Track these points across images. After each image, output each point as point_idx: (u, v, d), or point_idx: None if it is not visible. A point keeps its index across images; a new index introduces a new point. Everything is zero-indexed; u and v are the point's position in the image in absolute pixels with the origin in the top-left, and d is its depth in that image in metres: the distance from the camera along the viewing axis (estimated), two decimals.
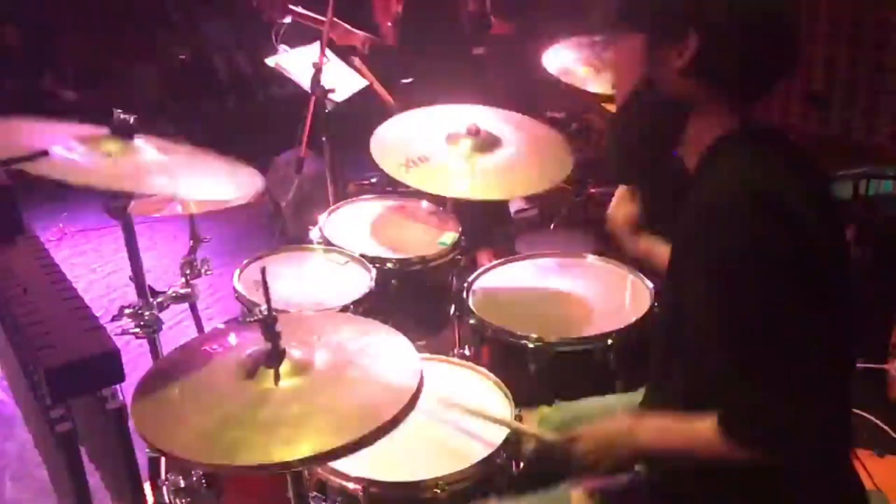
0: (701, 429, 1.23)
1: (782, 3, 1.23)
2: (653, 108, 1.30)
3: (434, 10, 3.40)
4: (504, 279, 2.27)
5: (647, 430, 1.35)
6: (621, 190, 1.74)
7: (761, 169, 1.21)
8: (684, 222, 1.24)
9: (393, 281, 2.29)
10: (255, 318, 1.37)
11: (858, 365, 2.67)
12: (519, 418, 1.73)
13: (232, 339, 1.51)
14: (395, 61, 3.44)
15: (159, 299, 1.96)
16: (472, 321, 2.07)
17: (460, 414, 1.73)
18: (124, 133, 1.76)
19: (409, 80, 3.39)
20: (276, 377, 1.35)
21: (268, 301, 1.34)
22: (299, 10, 3.25)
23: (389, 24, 3.54)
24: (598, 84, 2.58)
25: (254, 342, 1.42)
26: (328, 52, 2.99)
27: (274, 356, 1.36)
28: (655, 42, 1.25)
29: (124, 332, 1.87)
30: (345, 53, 3.33)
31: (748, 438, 1.19)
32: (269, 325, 1.36)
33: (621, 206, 1.73)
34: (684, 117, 1.28)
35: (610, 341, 1.94)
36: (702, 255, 1.19)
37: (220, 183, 1.87)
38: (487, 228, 3.24)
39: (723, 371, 1.19)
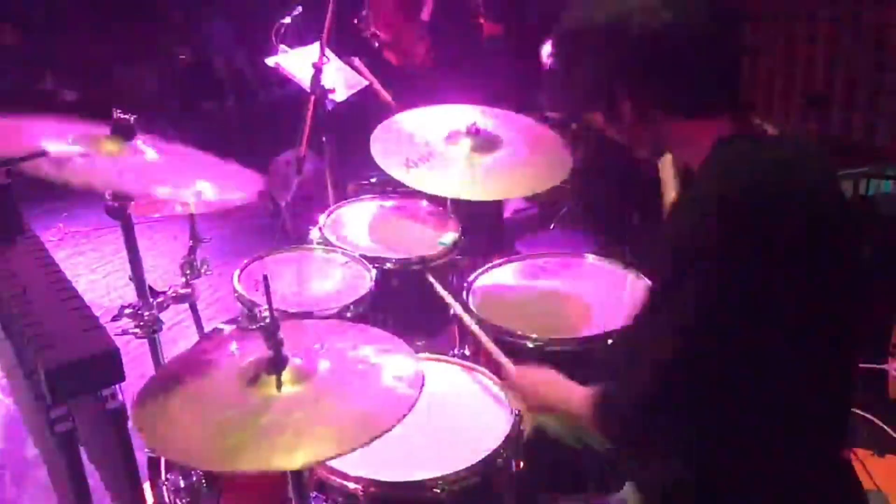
0: (580, 398, 1.34)
1: (688, 17, 1.21)
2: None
3: (459, 22, 3.45)
4: (504, 279, 2.27)
5: (559, 390, 1.48)
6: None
7: (744, 170, 1.21)
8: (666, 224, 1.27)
9: (393, 281, 2.29)
10: (258, 325, 1.36)
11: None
12: (519, 418, 1.73)
13: (234, 346, 1.51)
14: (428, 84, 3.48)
15: (159, 299, 1.96)
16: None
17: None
18: (124, 133, 1.76)
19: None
20: (278, 384, 1.35)
21: (270, 308, 1.34)
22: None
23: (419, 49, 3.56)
24: None
25: (256, 349, 1.42)
26: (328, 52, 2.99)
27: (276, 363, 1.36)
28: (605, 111, 1.31)
29: (124, 332, 1.86)
30: (345, 53, 3.34)
31: (606, 423, 1.29)
32: (271, 332, 1.35)
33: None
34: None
35: (610, 341, 1.94)
36: (660, 246, 1.23)
37: (219, 183, 1.86)
38: (480, 230, 3.23)
39: (626, 351, 1.28)
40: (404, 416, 1.29)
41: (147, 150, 1.78)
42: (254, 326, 1.37)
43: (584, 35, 1.28)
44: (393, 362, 1.46)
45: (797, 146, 1.29)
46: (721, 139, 1.25)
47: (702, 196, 1.21)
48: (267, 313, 1.36)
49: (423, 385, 1.37)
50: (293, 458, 1.21)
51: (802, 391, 1.22)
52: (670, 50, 1.21)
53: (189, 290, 2.10)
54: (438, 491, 1.55)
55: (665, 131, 1.29)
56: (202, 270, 2.22)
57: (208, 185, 1.84)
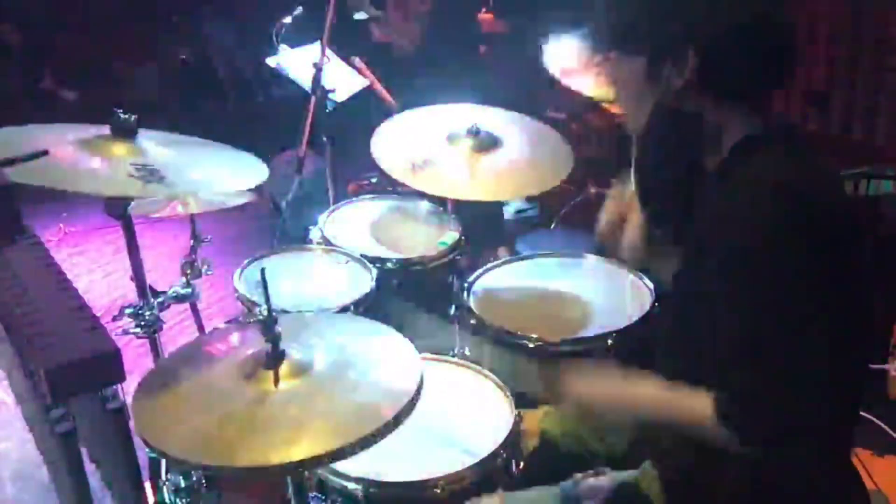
0: (697, 408, 1.24)
1: (773, 3, 1.24)
2: (671, 125, 1.34)
3: (459, 10, 3.45)
4: (504, 279, 2.27)
5: (643, 397, 1.35)
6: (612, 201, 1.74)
7: (793, 165, 1.23)
8: (708, 218, 1.25)
9: (393, 281, 2.29)
10: (255, 318, 1.36)
11: None
12: (519, 418, 1.73)
13: (232, 339, 1.51)
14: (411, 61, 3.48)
15: (160, 299, 1.96)
16: (472, 321, 2.07)
17: None
18: (125, 133, 1.76)
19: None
20: (276, 379, 1.35)
21: (268, 302, 1.34)
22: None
23: (408, 22, 3.56)
24: (596, 87, 2.59)
25: (254, 343, 1.42)
26: (328, 52, 2.99)
27: (273, 358, 1.36)
28: (655, 63, 1.26)
29: (124, 332, 1.87)
30: (345, 53, 3.34)
31: (741, 428, 1.19)
32: (268, 326, 1.35)
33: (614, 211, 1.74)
34: (700, 126, 1.30)
35: (610, 341, 1.94)
36: (723, 246, 1.20)
37: (224, 174, 1.86)
38: (482, 230, 3.24)
39: (729, 357, 1.20)
40: (403, 410, 1.29)
41: (148, 148, 1.77)
42: (251, 320, 1.37)
43: None
44: (391, 357, 1.46)
45: (809, 142, 1.32)
46: (748, 137, 1.26)
47: (755, 189, 1.20)
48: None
49: (422, 379, 1.36)
50: (291, 453, 1.21)
51: (836, 386, 1.22)
52: (754, 36, 1.22)
53: (189, 290, 2.10)
54: (438, 491, 1.55)
55: (697, 109, 1.29)
56: (203, 270, 2.22)
57: (212, 177, 1.83)
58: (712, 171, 1.33)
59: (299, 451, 1.22)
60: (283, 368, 1.36)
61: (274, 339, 1.36)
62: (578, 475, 1.55)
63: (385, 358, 1.46)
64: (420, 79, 3.40)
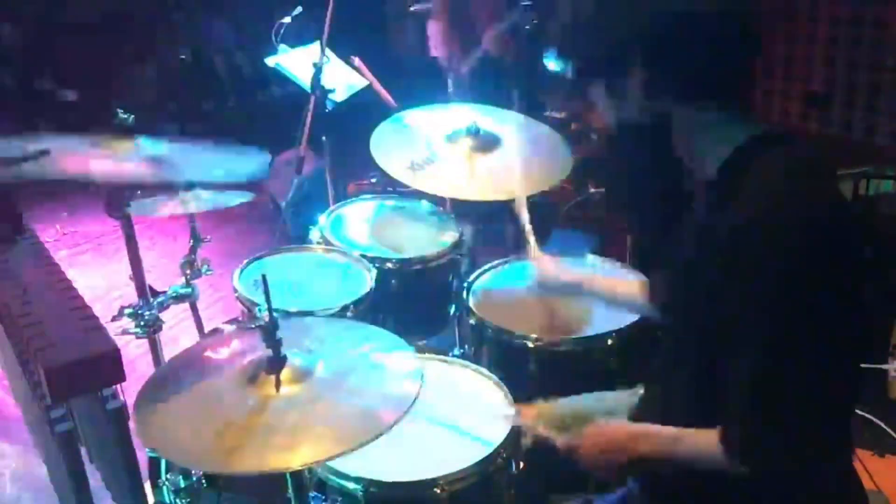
0: (704, 444, 1.24)
1: (721, 1, 1.21)
2: (637, 137, 1.35)
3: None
4: (504, 279, 2.27)
5: (648, 439, 1.35)
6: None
7: (805, 181, 1.20)
8: (721, 230, 1.20)
9: (393, 281, 2.29)
10: (257, 324, 1.36)
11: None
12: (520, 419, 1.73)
13: (233, 344, 1.51)
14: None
15: (159, 299, 1.96)
16: (472, 321, 2.07)
17: None
18: (124, 133, 1.76)
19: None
20: (277, 384, 1.34)
21: (269, 308, 1.34)
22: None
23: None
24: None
25: (255, 348, 1.42)
26: (328, 52, 2.99)
27: (275, 363, 1.36)
28: (611, 81, 1.28)
29: (124, 332, 1.86)
30: (344, 53, 3.34)
31: (750, 458, 1.19)
32: (270, 331, 1.35)
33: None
34: (668, 136, 1.30)
35: (610, 341, 1.94)
36: (750, 271, 1.15)
37: (224, 166, 1.86)
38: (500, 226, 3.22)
39: (743, 386, 1.18)
40: (403, 414, 1.29)
41: (147, 146, 1.77)
42: (253, 325, 1.37)
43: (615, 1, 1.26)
44: (392, 361, 1.46)
45: (807, 148, 1.30)
46: (745, 145, 1.23)
47: (776, 212, 1.15)
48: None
49: (422, 384, 1.36)
50: (291, 458, 1.21)
51: (840, 401, 1.22)
52: (697, 33, 1.20)
53: (189, 290, 2.10)
54: (438, 491, 1.55)
55: (674, 117, 1.28)
56: (202, 270, 2.22)
57: (213, 169, 1.83)
58: (704, 187, 1.31)
59: (300, 457, 1.22)
60: (285, 373, 1.35)
61: (275, 345, 1.36)
62: None
63: (386, 363, 1.46)
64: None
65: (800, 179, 1.19)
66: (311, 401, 1.33)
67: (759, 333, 1.16)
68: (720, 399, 1.21)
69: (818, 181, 1.21)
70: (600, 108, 1.35)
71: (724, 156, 1.24)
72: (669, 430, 1.32)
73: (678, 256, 1.38)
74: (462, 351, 2.31)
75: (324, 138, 3.09)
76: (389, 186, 2.96)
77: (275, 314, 1.35)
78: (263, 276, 1.35)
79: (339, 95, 3.09)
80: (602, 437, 1.42)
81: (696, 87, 1.24)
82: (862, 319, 1.21)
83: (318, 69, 2.93)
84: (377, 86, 3.40)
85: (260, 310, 1.40)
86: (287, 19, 3.33)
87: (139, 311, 1.88)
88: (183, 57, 6.95)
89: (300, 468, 1.22)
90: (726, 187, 1.23)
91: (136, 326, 1.89)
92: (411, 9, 3.69)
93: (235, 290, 2.17)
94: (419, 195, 2.53)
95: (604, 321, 2.01)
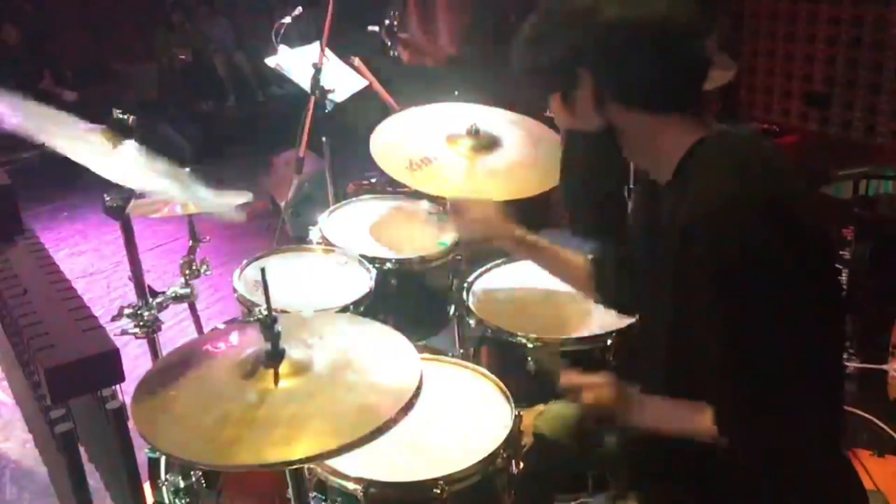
0: (702, 422, 1.27)
1: (662, 8, 1.22)
2: (588, 144, 1.40)
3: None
4: (504, 279, 2.27)
5: (654, 408, 1.40)
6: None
7: (755, 171, 1.22)
8: (675, 230, 1.24)
9: (393, 281, 2.29)
10: (255, 318, 1.36)
11: (858, 365, 2.68)
12: (519, 418, 1.73)
13: (232, 338, 1.51)
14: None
15: (159, 299, 1.96)
16: (472, 321, 2.07)
17: None
18: (123, 132, 1.75)
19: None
20: (276, 378, 1.35)
21: (268, 301, 1.34)
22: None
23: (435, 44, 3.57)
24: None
25: (253, 342, 1.42)
26: (328, 52, 2.99)
27: (273, 356, 1.36)
28: (564, 92, 1.32)
29: (124, 332, 1.86)
30: (344, 53, 3.34)
31: (738, 436, 1.24)
32: (268, 325, 1.35)
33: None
34: (617, 142, 1.34)
35: (609, 341, 1.94)
36: (707, 262, 1.19)
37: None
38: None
39: (719, 370, 1.23)
40: (402, 409, 1.29)
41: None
42: (251, 319, 1.37)
43: (557, 14, 1.29)
44: (391, 357, 1.46)
45: (770, 144, 1.33)
46: (696, 144, 1.25)
47: (728, 202, 1.19)
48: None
49: (421, 378, 1.36)
50: (290, 451, 1.21)
51: (823, 385, 1.25)
52: (637, 41, 1.22)
53: (189, 290, 2.10)
54: (438, 491, 1.55)
55: (623, 124, 1.30)
56: (202, 270, 2.22)
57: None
58: (663, 186, 1.33)
59: (299, 450, 1.21)
60: (283, 367, 1.35)
61: (274, 338, 1.36)
62: None
63: (385, 358, 1.46)
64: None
65: (734, 179, 1.21)
66: (310, 395, 1.33)
67: (720, 329, 1.21)
68: (696, 395, 1.27)
69: (755, 179, 1.21)
70: (558, 118, 1.39)
71: (678, 158, 1.27)
72: (672, 404, 1.37)
73: (644, 258, 1.43)
74: (461, 351, 2.31)
75: (324, 139, 3.09)
76: (389, 186, 2.96)
77: (272, 306, 1.35)
78: (262, 271, 1.35)
79: (339, 95, 3.09)
80: (617, 392, 1.45)
81: (643, 95, 1.27)
82: (823, 302, 1.24)
83: (317, 69, 2.93)
84: (377, 86, 3.40)
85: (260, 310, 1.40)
86: (287, 19, 3.33)
87: (138, 312, 1.89)
88: (183, 57, 6.96)
89: (298, 462, 1.22)
90: (679, 189, 1.27)
91: (136, 327, 1.89)
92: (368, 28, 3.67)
93: (235, 291, 2.17)
94: (419, 195, 2.53)
95: (604, 321, 2.01)
